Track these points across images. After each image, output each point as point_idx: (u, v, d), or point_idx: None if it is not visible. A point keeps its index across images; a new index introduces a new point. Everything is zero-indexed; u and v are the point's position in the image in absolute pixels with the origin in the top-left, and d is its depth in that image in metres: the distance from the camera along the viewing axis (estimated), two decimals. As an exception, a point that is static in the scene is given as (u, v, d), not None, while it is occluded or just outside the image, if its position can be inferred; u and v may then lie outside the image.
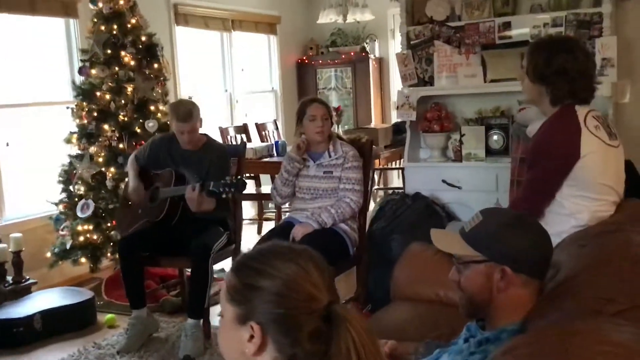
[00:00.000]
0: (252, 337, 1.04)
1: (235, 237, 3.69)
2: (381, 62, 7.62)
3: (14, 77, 4.59)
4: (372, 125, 7.04)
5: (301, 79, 7.67)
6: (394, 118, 7.05)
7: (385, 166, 6.65)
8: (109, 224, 4.27)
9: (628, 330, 1.13)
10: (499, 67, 3.71)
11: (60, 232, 4.34)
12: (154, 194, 3.55)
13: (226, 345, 1.12)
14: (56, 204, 4.40)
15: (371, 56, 7.38)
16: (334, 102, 7.39)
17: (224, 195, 3.23)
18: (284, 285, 1.03)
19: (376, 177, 6.64)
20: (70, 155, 4.38)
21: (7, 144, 4.47)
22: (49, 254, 4.31)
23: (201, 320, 3.36)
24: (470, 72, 3.78)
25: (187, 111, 3.40)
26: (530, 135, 3.03)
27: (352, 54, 7.38)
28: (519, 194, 2.43)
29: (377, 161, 5.55)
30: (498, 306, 1.45)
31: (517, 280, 1.42)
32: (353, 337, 0.99)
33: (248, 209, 6.12)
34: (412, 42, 3.93)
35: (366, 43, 7.44)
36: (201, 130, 3.57)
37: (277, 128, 6.68)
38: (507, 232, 1.44)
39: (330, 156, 3.38)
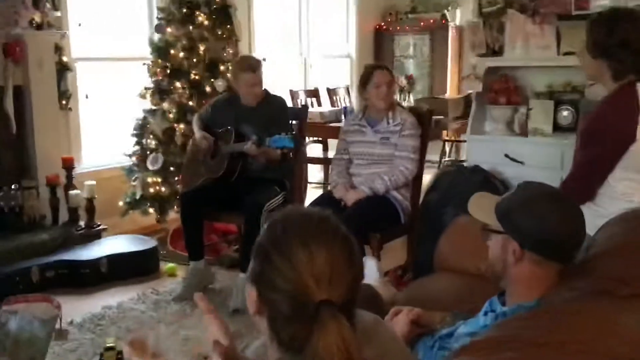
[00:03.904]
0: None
1: (292, 198, 3.75)
2: (461, 31, 7.41)
3: (96, 32, 4.79)
4: (447, 95, 6.90)
5: (378, 45, 7.58)
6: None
7: (453, 138, 6.52)
8: (176, 178, 4.44)
9: (634, 317, 1.08)
10: (574, 39, 3.51)
11: (132, 183, 4.55)
12: (216, 151, 3.66)
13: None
14: (129, 156, 4.60)
15: (451, 24, 7.19)
16: (411, 70, 7.27)
17: (278, 151, 3.30)
18: (288, 269, 0.99)
19: (447, 148, 6.54)
20: (144, 110, 4.56)
21: (87, 96, 4.69)
22: (121, 203, 4.55)
23: (252, 276, 3.45)
24: (544, 43, 3.62)
25: (257, 62, 3.50)
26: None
27: (432, 21, 7.21)
28: (571, 173, 2.33)
29: (444, 132, 5.44)
30: (512, 281, 1.43)
31: (528, 257, 1.39)
32: (319, 349, 0.94)
33: (315, 173, 6.18)
34: (484, 10, 3.80)
35: (447, 10, 7.24)
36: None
37: (348, 94, 6.67)
38: (525, 208, 1.40)
39: (388, 123, 3.36)
